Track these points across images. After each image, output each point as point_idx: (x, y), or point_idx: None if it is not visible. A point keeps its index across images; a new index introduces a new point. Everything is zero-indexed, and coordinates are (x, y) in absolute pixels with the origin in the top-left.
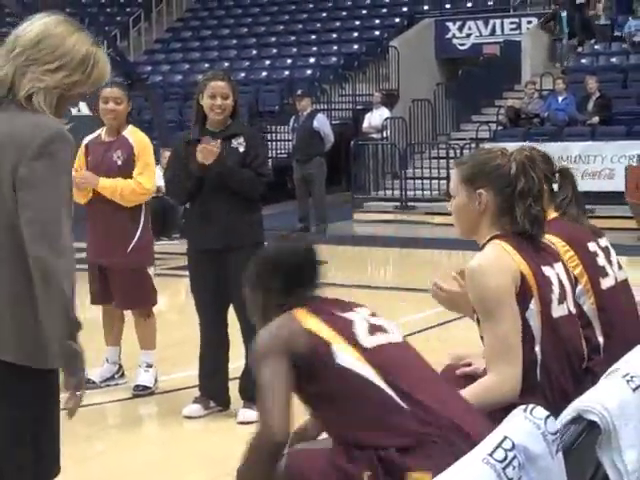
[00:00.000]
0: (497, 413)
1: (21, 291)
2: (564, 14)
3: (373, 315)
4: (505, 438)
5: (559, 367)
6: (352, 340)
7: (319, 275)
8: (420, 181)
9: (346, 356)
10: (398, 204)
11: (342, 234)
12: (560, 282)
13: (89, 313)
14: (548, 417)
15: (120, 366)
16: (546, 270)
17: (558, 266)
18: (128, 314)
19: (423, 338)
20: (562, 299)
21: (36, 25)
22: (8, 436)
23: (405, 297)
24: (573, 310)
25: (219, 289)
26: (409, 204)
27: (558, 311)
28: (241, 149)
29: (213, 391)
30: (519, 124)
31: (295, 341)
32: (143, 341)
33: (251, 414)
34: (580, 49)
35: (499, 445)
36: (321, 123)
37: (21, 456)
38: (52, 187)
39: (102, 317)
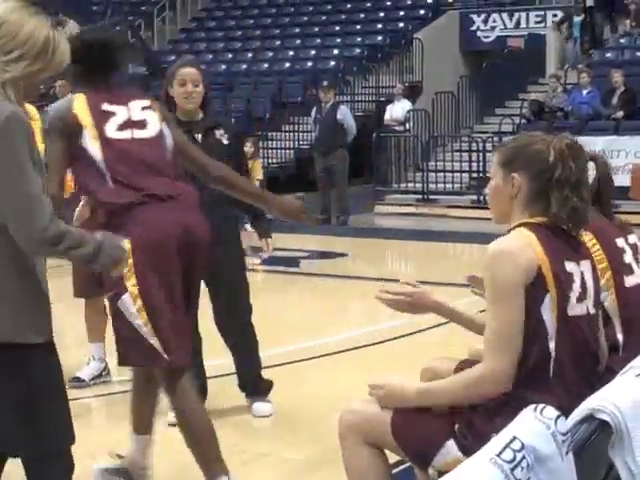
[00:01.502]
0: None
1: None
2: (578, 18)
3: (145, 109)
4: (514, 438)
5: (573, 366)
6: (101, 130)
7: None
8: (442, 174)
9: (89, 139)
10: (419, 197)
11: (363, 226)
12: (583, 281)
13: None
14: (559, 417)
15: (106, 363)
16: (569, 266)
17: (585, 264)
18: None
19: (446, 331)
20: (582, 298)
21: None
22: (22, 411)
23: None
24: (592, 311)
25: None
26: (430, 197)
27: (575, 310)
28: (224, 141)
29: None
30: (543, 117)
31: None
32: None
33: (268, 407)
34: (588, 54)
35: (507, 445)
36: (344, 115)
37: (40, 423)
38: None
39: (86, 313)
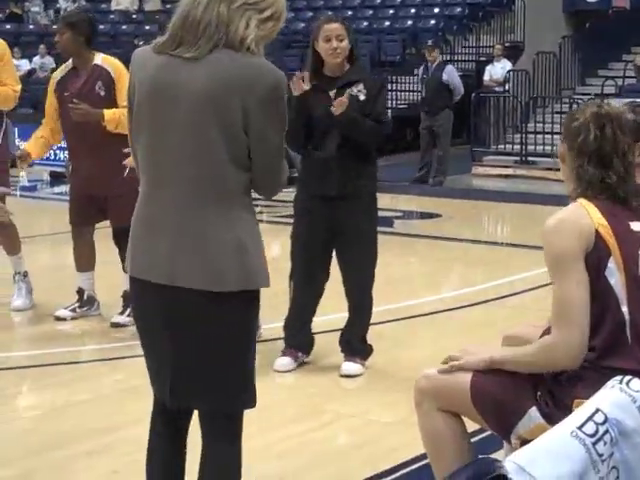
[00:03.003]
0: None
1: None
2: None
3: None
4: (597, 411)
5: None
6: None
7: None
8: (541, 136)
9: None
10: (518, 159)
11: (460, 187)
12: None
13: None
14: None
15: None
16: (635, 226)
17: None
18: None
19: (543, 295)
20: None
21: None
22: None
23: (523, 253)
24: None
25: (321, 241)
26: (529, 159)
27: None
28: (361, 97)
29: (302, 342)
30: None
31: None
32: None
33: (356, 367)
34: None
35: (590, 418)
36: (450, 75)
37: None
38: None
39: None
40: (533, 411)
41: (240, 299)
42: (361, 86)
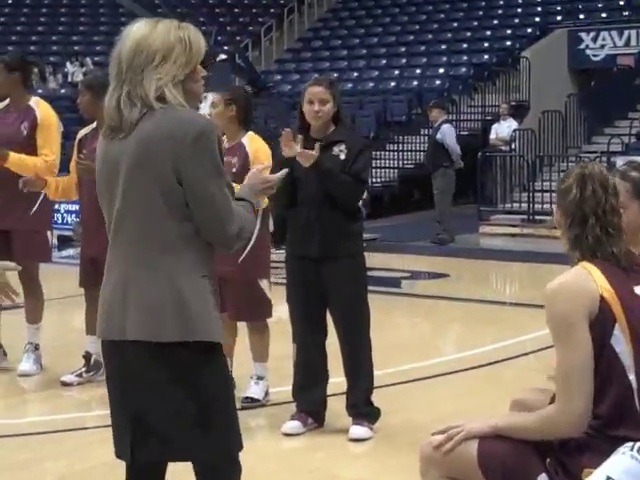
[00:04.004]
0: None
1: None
2: None
3: None
4: (608, 479)
5: None
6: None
7: None
8: (549, 194)
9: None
10: (525, 217)
11: (468, 246)
12: None
13: None
14: None
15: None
16: (639, 290)
17: None
18: None
19: (550, 356)
20: None
21: (125, 38)
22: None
23: (531, 313)
24: None
25: (315, 298)
26: (537, 217)
27: None
28: (342, 156)
29: (311, 406)
30: None
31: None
32: (256, 352)
33: (362, 431)
34: None
35: None
36: (444, 134)
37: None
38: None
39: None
40: (542, 478)
41: (188, 350)
42: (343, 146)
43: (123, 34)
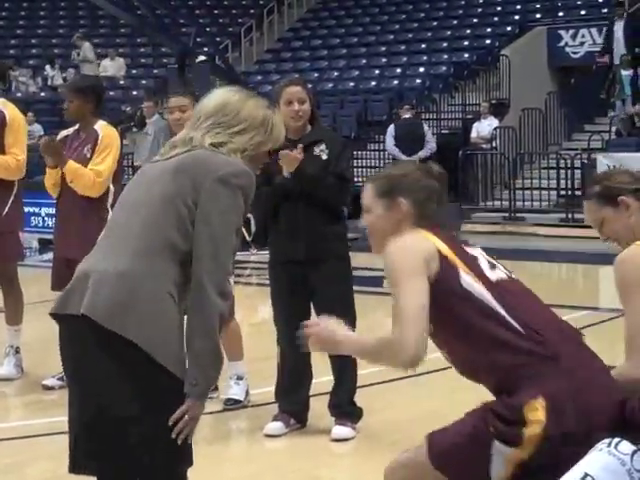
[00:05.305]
0: None
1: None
2: (626, 73)
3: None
4: (586, 475)
5: None
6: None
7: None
8: (530, 192)
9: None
10: (507, 215)
11: None
12: None
13: None
14: (635, 452)
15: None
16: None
17: None
18: None
19: None
20: None
21: (215, 95)
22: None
23: None
24: None
25: (300, 301)
26: (518, 215)
27: None
28: (324, 156)
29: (295, 408)
30: (632, 133)
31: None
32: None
33: (345, 431)
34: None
35: None
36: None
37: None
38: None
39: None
40: (497, 447)
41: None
42: (323, 145)
43: (211, 93)
